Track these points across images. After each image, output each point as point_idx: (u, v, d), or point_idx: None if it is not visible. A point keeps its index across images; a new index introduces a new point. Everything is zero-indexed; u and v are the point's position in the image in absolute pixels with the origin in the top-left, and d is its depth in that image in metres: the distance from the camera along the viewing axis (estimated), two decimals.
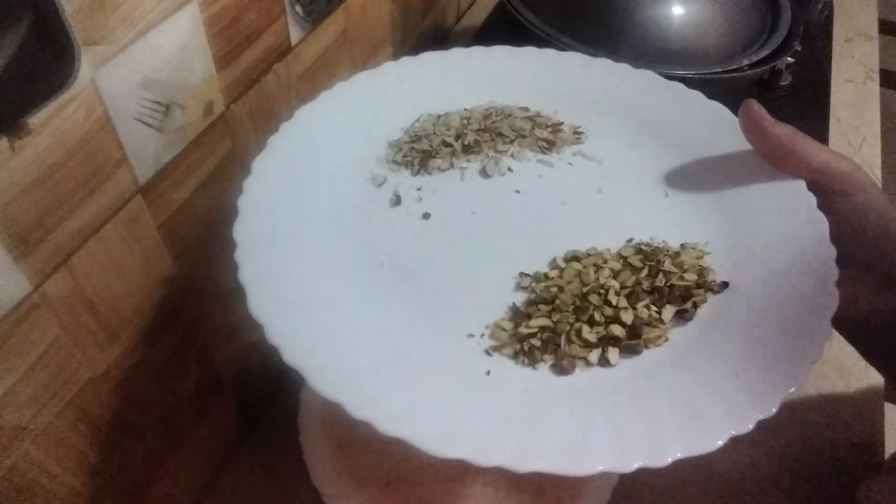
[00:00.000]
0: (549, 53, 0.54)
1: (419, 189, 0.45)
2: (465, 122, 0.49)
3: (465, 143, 0.48)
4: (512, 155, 0.48)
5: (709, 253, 0.41)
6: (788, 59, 0.69)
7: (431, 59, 0.52)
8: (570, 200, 0.45)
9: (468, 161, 0.48)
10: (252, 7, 0.42)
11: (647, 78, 0.52)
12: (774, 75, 0.77)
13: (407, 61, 0.51)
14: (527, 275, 0.40)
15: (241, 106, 0.45)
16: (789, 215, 0.41)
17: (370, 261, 0.40)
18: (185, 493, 0.51)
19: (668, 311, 0.37)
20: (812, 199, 0.41)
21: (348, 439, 0.48)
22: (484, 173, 0.47)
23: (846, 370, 0.58)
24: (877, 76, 0.89)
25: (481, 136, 0.48)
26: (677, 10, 0.61)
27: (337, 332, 0.35)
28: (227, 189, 0.46)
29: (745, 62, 0.61)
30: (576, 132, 0.50)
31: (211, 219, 0.45)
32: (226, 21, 0.41)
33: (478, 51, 0.53)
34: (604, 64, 0.53)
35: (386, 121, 0.49)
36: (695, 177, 0.47)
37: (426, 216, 0.43)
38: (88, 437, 0.39)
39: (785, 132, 0.43)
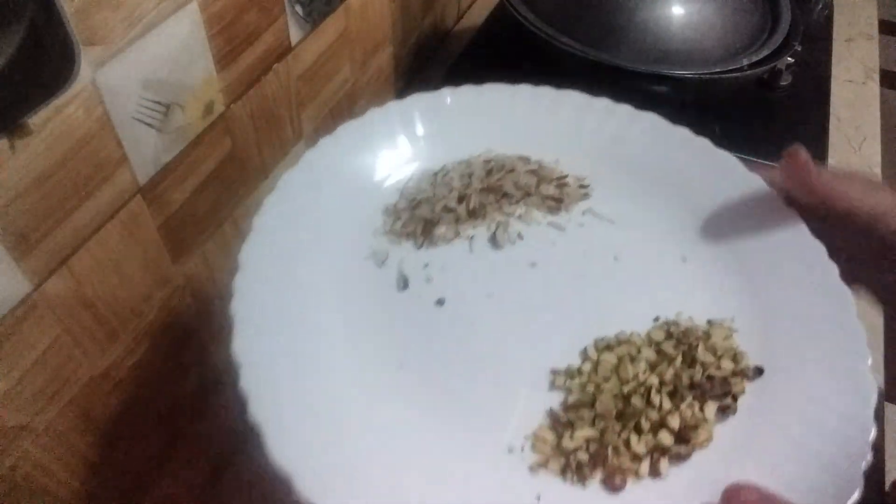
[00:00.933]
0: (546, 92, 0.51)
1: (426, 266, 0.41)
2: (465, 180, 0.46)
3: (470, 207, 0.44)
4: (520, 217, 0.45)
5: (737, 331, 0.39)
6: (788, 59, 0.69)
7: (418, 103, 0.48)
8: (588, 272, 0.42)
9: (474, 227, 0.44)
10: (252, 7, 0.42)
11: (650, 122, 0.50)
12: (774, 75, 0.77)
13: (393, 107, 0.48)
14: (560, 372, 0.37)
15: (241, 106, 0.45)
16: (814, 286, 0.40)
17: (386, 362, 0.37)
18: (185, 493, 0.51)
19: (711, 408, 0.36)
20: (834, 268, 0.40)
21: None
22: (494, 242, 0.43)
23: None
24: (877, 76, 0.89)
25: (485, 198, 0.45)
26: (677, 10, 0.61)
27: (361, 462, 0.32)
28: (227, 189, 0.46)
29: (745, 62, 0.61)
30: (581, 185, 0.47)
31: (211, 219, 0.45)
32: (226, 21, 0.41)
33: (469, 91, 0.50)
34: (604, 105, 0.50)
35: (378, 180, 0.45)
36: (710, 235, 0.45)
37: (440, 302, 0.39)
38: (88, 437, 0.39)
39: (834, 184, 0.41)
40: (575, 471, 0.33)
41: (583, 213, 0.45)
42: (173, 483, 0.49)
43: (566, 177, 0.47)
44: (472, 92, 0.49)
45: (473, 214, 0.44)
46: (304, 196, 0.41)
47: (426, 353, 0.37)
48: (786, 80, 0.78)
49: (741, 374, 0.37)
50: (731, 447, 0.34)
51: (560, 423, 0.35)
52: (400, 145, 0.47)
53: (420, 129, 0.48)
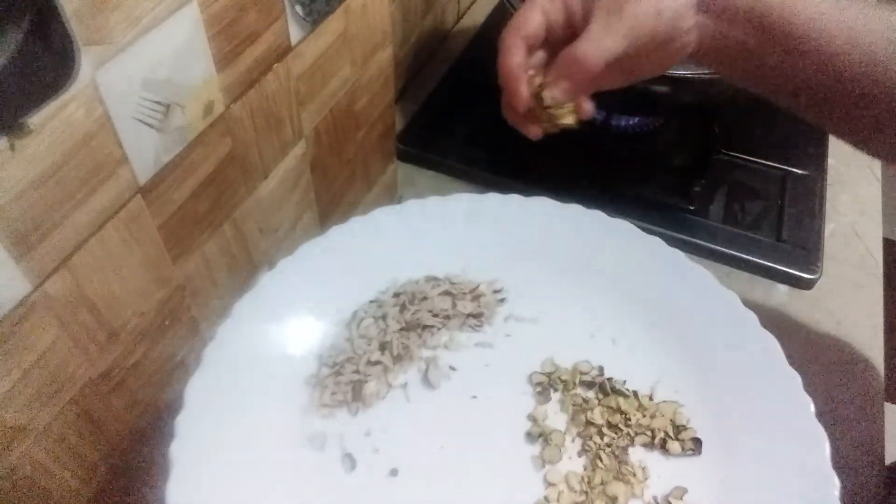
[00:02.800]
0: (433, 202, 0.51)
1: (368, 434, 0.39)
2: (381, 324, 0.44)
3: (395, 353, 0.42)
4: (446, 346, 0.44)
5: (683, 405, 0.41)
6: None
7: (311, 251, 0.47)
8: (527, 387, 0.42)
9: (404, 372, 0.42)
10: (252, 7, 0.42)
11: (540, 205, 0.50)
12: None
13: (287, 263, 0.46)
14: None
15: (241, 106, 0.45)
16: (749, 353, 0.42)
17: None
18: None
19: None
20: (770, 337, 0.42)
21: None
22: (428, 383, 0.42)
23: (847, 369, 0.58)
24: None
25: (407, 338, 0.43)
26: None
27: None
28: (227, 189, 0.46)
29: None
30: (495, 290, 0.47)
31: (211, 219, 0.45)
32: (226, 21, 0.41)
33: (356, 224, 0.49)
34: (494, 199, 0.51)
35: (291, 348, 0.43)
36: (630, 309, 0.46)
37: (393, 473, 0.37)
38: (88, 437, 0.39)
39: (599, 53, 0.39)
40: None
41: (505, 320, 0.46)
42: None
43: (479, 286, 0.47)
44: (361, 223, 0.49)
45: (399, 359, 0.43)
46: (223, 382, 0.39)
47: None
48: None
49: (680, 441, 0.39)
50: None
51: None
52: (302, 304, 0.45)
53: (318, 279, 0.46)
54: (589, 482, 0.38)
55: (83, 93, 0.32)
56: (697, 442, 0.39)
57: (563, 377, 0.42)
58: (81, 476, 0.40)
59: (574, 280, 0.48)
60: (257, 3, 0.43)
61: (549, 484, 0.38)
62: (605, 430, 0.40)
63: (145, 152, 0.38)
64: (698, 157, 0.70)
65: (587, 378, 0.42)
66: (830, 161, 0.71)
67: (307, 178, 0.54)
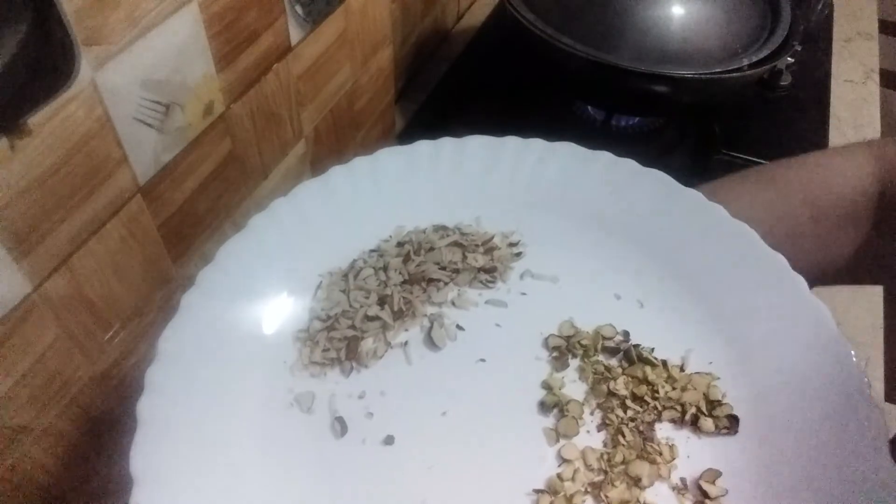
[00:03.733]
0: (446, 143, 0.45)
1: (361, 397, 0.35)
2: (381, 276, 0.39)
3: (395, 308, 0.38)
4: (454, 303, 0.39)
5: (718, 378, 0.36)
6: (788, 59, 0.69)
7: (307, 191, 0.42)
8: (543, 352, 0.37)
9: (406, 330, 0.38)
10: (252, 7, 0.42)
11: (567, 152, 0.45)
12: (774, 75, 0.77)
13: (280, 204, 0.41)
14: (543, 492, 0.32)
15: (241, 106, 0.45)
16: (789, 312, 0.37)
17: None
18: None
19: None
20: (802, 282, 0.37)
21: None
22: (431, 343, 0.37)
23: None
24: (877, 76, 0.89)
25: (410, 292, 0.39)
26: (677, 10, 0.61)
27: None
28: (227, 189, 0.46)
29: (745, 62, 0.61)
30: (511, 243, 0.42)
31: (211, 219, 0.45)
32: (226, 21, 0.41)
33: (359, 164, 0.44)
34: (514, 143, 0.45)
35: (282, 296, 0.38)
36: (663, 270, 0.41)
37: (388, 441, 0.33)
38: (89, 437, 0.39)
39: None
40: None
41: (521, 277, 0.41)
42: None
43: (492, 238, 0.42)
44: (364, 164, 0.44)
45: (401, 315, 0.38)
46: (202, 333, 0.35)
47: None
48: (786, 80, 0.78)
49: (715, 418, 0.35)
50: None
51: None
52: (296, 249, 0.40)
53: (315, 224, 0.41)
54: (609, 460, 0.33)
55: (83, 93, 0.32)
56: (734, 420, 0.35)
57: (584, 342, 0.38)
58: (82, 476, 0.40)
59: (600, 235, 0.43)
60: (257, 3, 0.43)
61: (564, 460, 0.33)
62: (628, 402, 0.35)
63: (145, 152, 0.38)
64: (698, 157, 0.70)
65: (610, 344, 0.38)
66: None
67: (307, 178, 0.54)
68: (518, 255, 0.42)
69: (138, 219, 0.39)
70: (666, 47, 0.61)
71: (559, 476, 0.33)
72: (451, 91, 0.79)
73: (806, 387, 0.34)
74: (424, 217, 0.43)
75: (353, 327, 0.37)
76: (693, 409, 0.35)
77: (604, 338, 0.38)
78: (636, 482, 0.33)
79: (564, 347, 0.38)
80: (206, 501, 0.30)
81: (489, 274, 0.40)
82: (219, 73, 0.42)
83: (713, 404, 0.35)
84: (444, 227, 0.42)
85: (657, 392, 0.35)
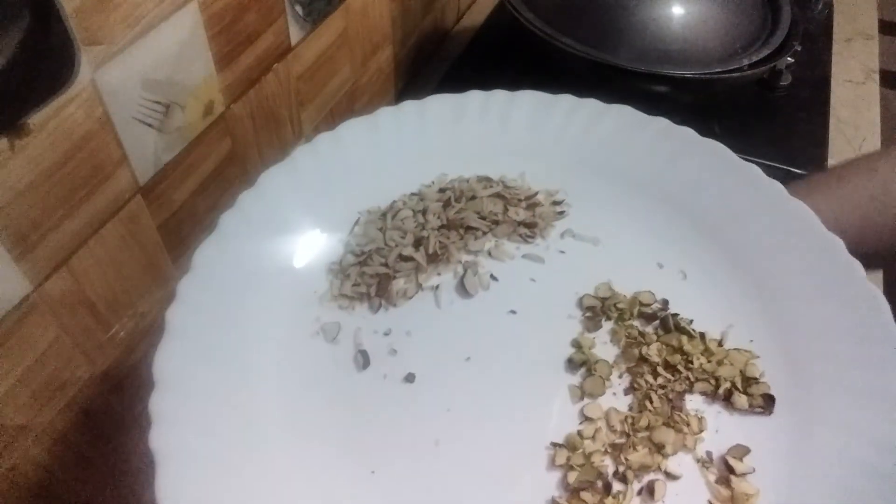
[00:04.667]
0: (498, 96, 0.45)
1: (387, 334, 0.35)
2: (419, 219, 0.39)
3: (430, 252, 0.37)
4: (490, 254, 0.39)
5: (758, 357, 0.35)
6: (788, 59, 0.69)
7: (351, 131, 0.42)
8: (578, 312, 0.36)
9: (438, 274, 0.37)
10: (252, 7, 0.42)
11: (622, 114, 0.44)
12: (774, 75, 0.77)
13: (324, 139, 0.41)
14: (560, 445, 0.32)
15: (241, 106, 0.45)
16: (840, 295, 0.35)
17: (354, 467, 0.30)
18: None
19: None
20: (857, 265, 0.35)
21: None
22: (463, 290, 0.37)
23: None
24: (877, 76, 0.89)
25: (446, 237, 0.38)
26: (677, 10, 0.61)
27: None
28: (228, 189, 0.46)
29: (745, 62, 0.61)
30: (555, 202, 0.41)
31: (211, 219, 0.45)
32: (226, 21, 0.41)
33: (409, 107, 0.43)
34: (566, 102, 0.44)
35: (318, 228, 0.38)
36: (710, 242, 0.40)
37: (409, 379, 0.33)
38: (89, 437, 0.39)
39: None
40: None
41: (561, 235, 0.40)
42: None
43: (536, 194, 0.41)
44: (413, 108, 0.43)
45: (435, 259, 0.37)
46: (237, 252, 0.35)
47: (402, 449, 0.31)
48: (786, 80, 0.78)
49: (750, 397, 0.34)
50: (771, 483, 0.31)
51: None
52: (336, 182, 0.40)
53: (357, 162, 0.41)
54: (633, 424, 0.32)
55: (83, 93, 0.32)
56: (770, 399, 0.33)
57: (620, 305, 0.36)
58: (81, 476, 0.40)
59: (647, 202, 0.41)
60: (257, 3, 0.43)
61: (586, 418, 0.32)
62: (660, 369, 0.34)
63: (145, 152, 0.38)
64: None
65: (647, 311, 0.36)
66: (830, 161, 0.71)
67: None
68: (561, 213, 0.41)
69: (138, 219, 0.39)
70: (666, 47, 0.61)
71: (579, 433, 0.32)
72: (451, 91, 0.79)
73: (851, 377, 0.33)
74: (469, 167, 0.42)
75: (385, 265, 0.37)
76: (727, 384, 0.34)
77: (641, 304, 0.37)
78: (659, 449, 0.32)
79: (599, 308, 0.37)
80: (219, 410, 0.30)
81: (529, 229, 0.40)
82: (219, 73, 0.42)
83: (749, 381, 0.34)
84: (487, 178, 0.42)
85: (691, 363, 0.35)
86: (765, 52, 0.62)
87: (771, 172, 0.72)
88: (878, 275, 0.52)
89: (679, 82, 0.58)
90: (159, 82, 0.37)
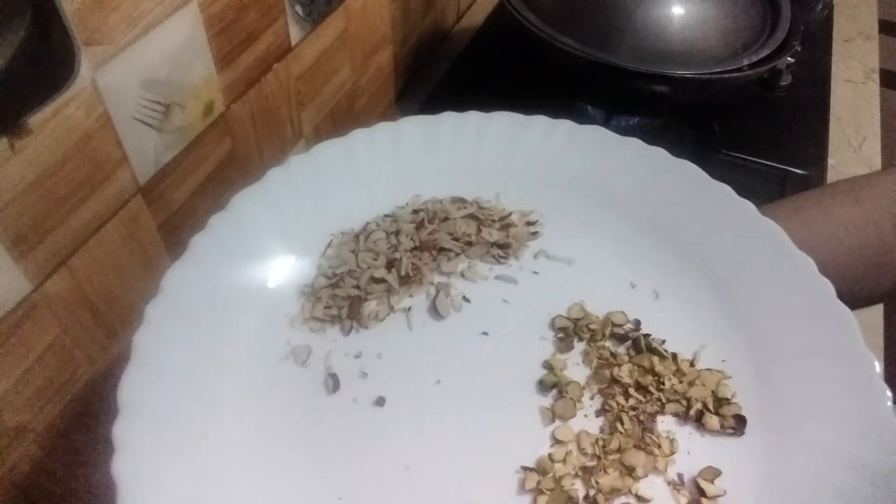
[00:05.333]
0: (472, 118, 0.45)
1: (358, 356, 0.34)
2: (392, 240, 0.39)
3: (402, 273, 0.37)
4: (462, 275, 0.38)
5: (730, 377, 0.35)
6: (788, 59, 0.69)
7: (326, 154, 0.41)
8: (549, 334, 0.37)
9: (411, 296, 0.37)
10: (252, 7, 0.42)
11: (595, 135, 0.44)
12: (774, 75, 0.77)
13: (297, 161, 0.41)
14: (531, 469, 0.32)
15: (241, 106, 0.45)
16: (812, 314, 0.36)
17: (322, 495, 0.29)
18: None
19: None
20: (829, 286, 0.36)
21: None
22: (435, 312, 0.37)
23: None
24: (877, 76, 0.89)
25: (419, 259, 0.38)
26: (677, 10, 0.61)
27: None
28: (227, 189, 0.46)
29: (745, 62, 0.61)
30: (528, 222, 0.41)
31: None
32: (226, 21, 0.41)
33: (383, 129, 0.43)
34: (540, 123, 0.45)
35: (290, 251, 0.38)
36: (683, 262, 0.40)
37: (380, 402, 0.33)
38: (89, 437, 0.39)
39: None
40: None
41: (535, 256, 0.40)
42: None
43: (510, 215, 0.41)
44: (387, 129, 0.43)
45: (407, 281, 0.37)
46: (208, 275, 0.35)
47: (371, 474, 0.30)
48: (786, 80, 0.78)
49: (722, 419, 0.34)
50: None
51: None
52: (309, 206, 0.40)
53: (331, 183, 0.41)
54: (604, 446, 0.32)
55: (83, 93, 0.32)
56: (741, 420, 0.33)
57: (592, 326, 0.37)
58: (82, 476, 0.40)
59: (620, 222, 0.42)
60: (257, 3, 0.43)
61: (557, 441, 0.32)
62: (631, 390, 0.34)
63: (145, 152, 0.38)
64: (698, 157, 0.70)
65: (620, 331, 0.37)
66: (830, 161, 0.71)
67: None
68: (534, 234, 0.41)
69: (138, 219, 0.39)
70: (666, 47, 0.61)
71: (550, 456, 0.32)
72: (451, 91, 0.79)
73: (823, 396, 0.33)
74: (443, 188, 0.42)
75: (357, 287, 0.37)
76: (699, 405, 0.34)
77: (613, 324, 0.37)
78: (630, 472, 0.32)
79: (571, 329, 0.37)
80: (185, 437, 0.30)
81: (502, 249, 0.40)
82: (219, 73, 0.42)
83: (721, 402, 0.34)
84: (461, 199, 0.42)
85: (663, 384, 0.35)
86: (765, 53, 0.62)
87: (771, 172, 0.73)
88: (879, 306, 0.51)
89: (679, 82, 0.58)
90: (159, 82, 0.37)
